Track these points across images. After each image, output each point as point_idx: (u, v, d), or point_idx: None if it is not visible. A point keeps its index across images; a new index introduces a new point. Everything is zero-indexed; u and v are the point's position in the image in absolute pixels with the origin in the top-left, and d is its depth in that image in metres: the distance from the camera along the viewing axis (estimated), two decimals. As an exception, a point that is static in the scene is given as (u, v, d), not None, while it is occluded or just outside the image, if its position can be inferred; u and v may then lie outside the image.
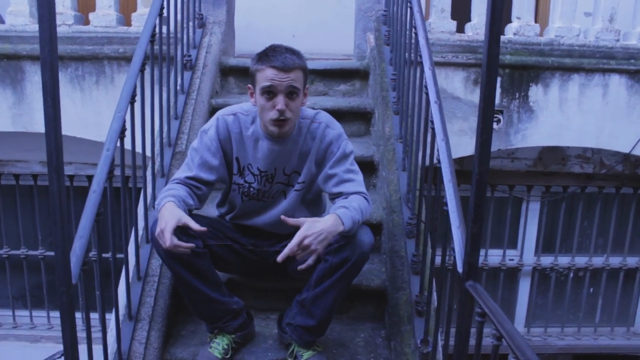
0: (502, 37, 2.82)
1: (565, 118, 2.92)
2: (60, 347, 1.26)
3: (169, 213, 1.47)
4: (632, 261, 3.78)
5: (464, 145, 2.87)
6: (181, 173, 1.67)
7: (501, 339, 1.07)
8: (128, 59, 2.70)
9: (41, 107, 1.09)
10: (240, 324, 1.73)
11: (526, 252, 3.74)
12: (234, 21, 3.26)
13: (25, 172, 3.51)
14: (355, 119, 2.68)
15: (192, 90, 2.51)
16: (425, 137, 1.87)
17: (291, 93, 1.56)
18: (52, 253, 2.68)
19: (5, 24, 2.83)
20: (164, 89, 2.23)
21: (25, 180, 3.54)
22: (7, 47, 2.76)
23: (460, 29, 2.91)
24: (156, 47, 2.08)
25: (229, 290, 1.75)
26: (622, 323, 3.89)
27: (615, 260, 3.77)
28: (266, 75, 1.53)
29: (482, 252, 3.62)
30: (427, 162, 1.81)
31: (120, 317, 1.69)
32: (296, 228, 1.47)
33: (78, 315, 2.37)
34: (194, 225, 1.46)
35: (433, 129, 1.70)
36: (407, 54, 2.28)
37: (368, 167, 2.40)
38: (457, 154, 2.79)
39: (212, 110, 2.53)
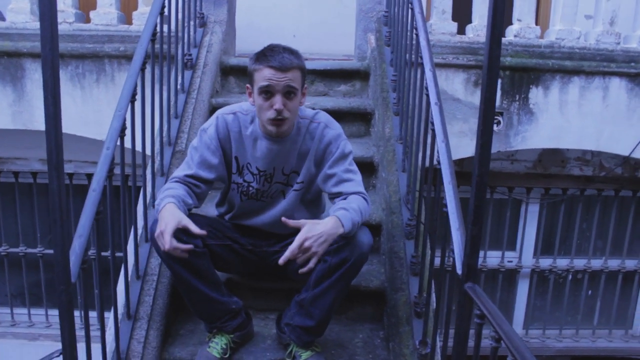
0: (503, 39, 2.82)
1: (565, 120, 2.92)
2: (59, 346, 1.26)
3: (169, 215, 1.47)
4: (630, 264, 3.78)
5: (464, 146, 2.87)
6: (181, 171, 1.67)
7: (500, 341, 1.07)
8: (129, 58, 2.70)
9: (41, 105, 1.09)
10: (239, 324, 1.73)
11: (525, 254, 3.73)
12: (235, 20, 3.26)
13: (24, 169, 3.50)
14: (355, 119, 2.68)
15: (193, 90, 2.51)
16: (425, 139, 1.87)
17: (289, 93, 1.55)
18: (51, 251, 2.69)
19: (5, 21, 2.83)
20: (165, 87, 2.23)
21: (25, 178, 3.54)
22: (7, 45, 2.76)
23: (461, 31, 2.91)
24: (157, 45, 2.08)
25: (228, 290, 1.75)
26: (620, 325, 3.89)
27: (613, 263, 3.77)
28: (264, 75, 1.53)
29: (481, 253, 3.62)
30: (427, 164, 1.81)
31: (119, 316, 1.69)
32: (295, 229, 1.47)
33: (77, 313, 2.39)
34: (194, 228, 1.46)
35: (433, 130, 1.70)
36: (407, 55, 2.28)
37: (368, 168, 2.40)
38: (457, 155, 2.79)
39: (213, 110, 2.52)
